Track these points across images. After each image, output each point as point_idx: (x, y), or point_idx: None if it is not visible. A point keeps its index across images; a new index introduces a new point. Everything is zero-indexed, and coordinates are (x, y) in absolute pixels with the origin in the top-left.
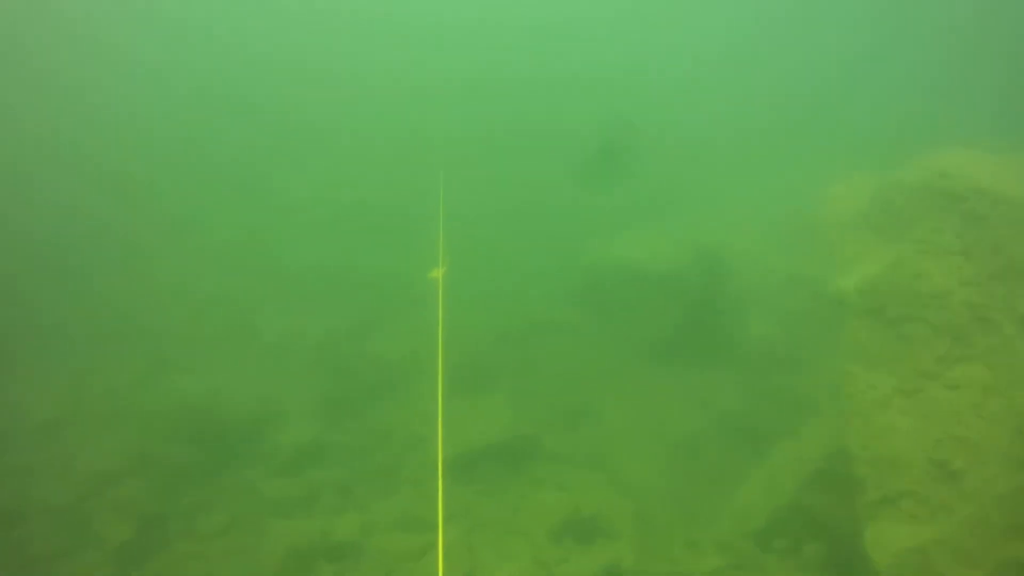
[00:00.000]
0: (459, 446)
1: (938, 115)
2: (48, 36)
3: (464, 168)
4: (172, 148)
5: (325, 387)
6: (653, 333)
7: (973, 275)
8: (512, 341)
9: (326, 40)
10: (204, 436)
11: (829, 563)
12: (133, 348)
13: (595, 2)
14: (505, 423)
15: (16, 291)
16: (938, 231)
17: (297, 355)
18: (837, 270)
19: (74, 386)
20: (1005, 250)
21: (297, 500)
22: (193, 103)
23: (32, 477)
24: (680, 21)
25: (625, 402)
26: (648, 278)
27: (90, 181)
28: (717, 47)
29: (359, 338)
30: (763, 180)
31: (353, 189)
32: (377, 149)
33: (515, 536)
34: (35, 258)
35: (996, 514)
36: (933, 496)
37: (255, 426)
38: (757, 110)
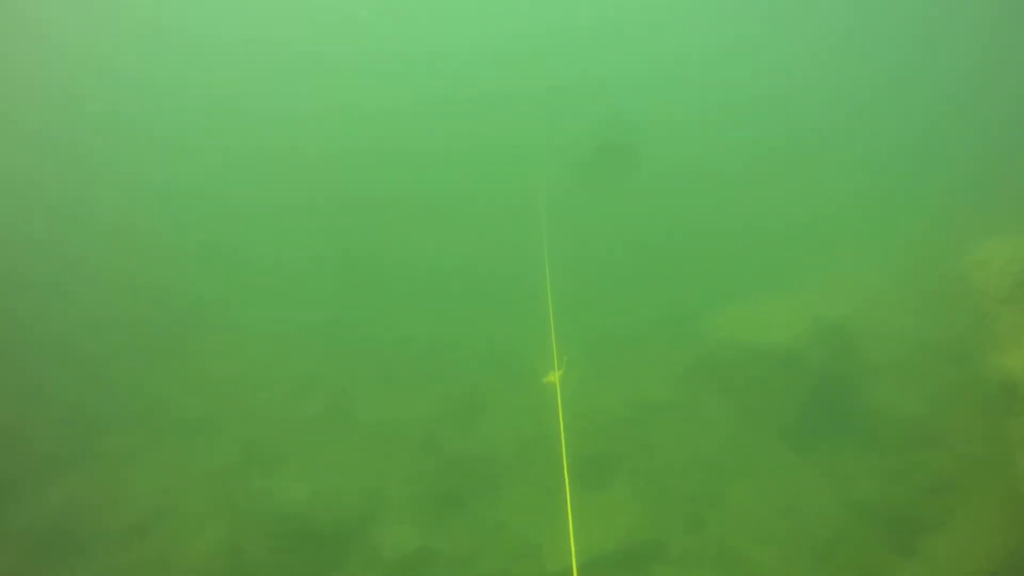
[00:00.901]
0: (578, 551)
1: None
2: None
3: (567, 231)
4: (258, 217)
5: (430, 482)
6: (780, 414)
7: None
8: (630, 426)
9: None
10: (300, 541)
11: None
12: (224, 439)
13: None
14: (625, 523)
15: (99, 374)
16: None
17: (397, 445)
18: (997, 347)
19: (162, 483)
20: None
21: None
22: (273, 175)
23: None
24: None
25: (754, 491)
26: (769, 354)
27: (177, 253)
28: (836, 85)
29: (463, 426)
30: (893, 243)
31: (449, 253)
32: (473, 209)
33: None
34: (116, 338)
35: None
36: None
37: (353, 529)
38: (882, 158)
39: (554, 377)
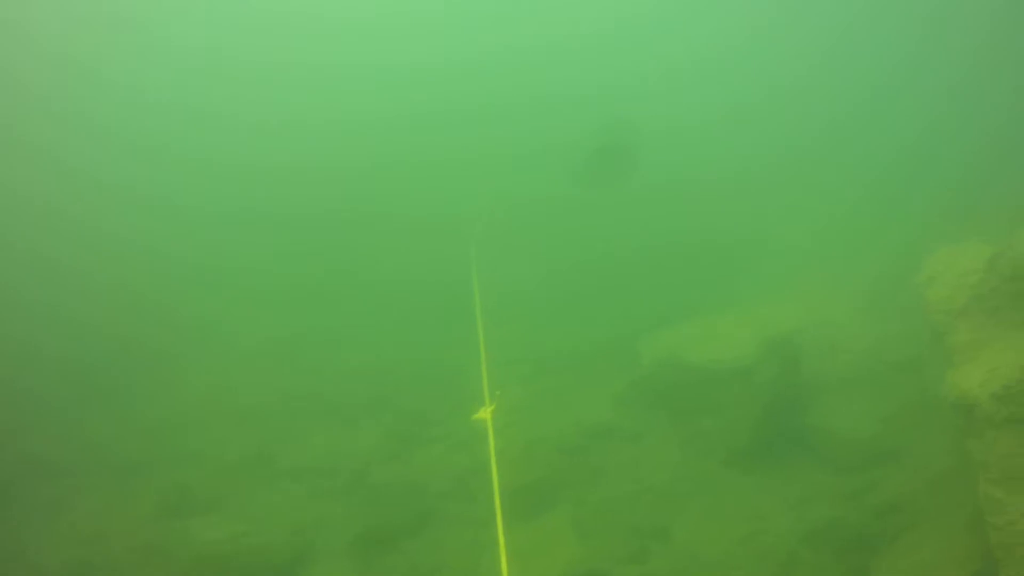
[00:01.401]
0: None
1: None
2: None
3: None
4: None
5: (361, 520)
6: (729, 436)
7: None
8: (570, 454)
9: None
10: None
11: None
12: (151, 481)
13: None
14: (565, 555)
15: (20, 420)
16: None
17: (330, 483)
18: (954, 366)
19: (88, 531)
20: None
21: None
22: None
23: None
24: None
25: (703, 518)
26: (716, 373)
27: (100, 292)
28: (776, 84)
29: (396, 461)
30: (843, 254)
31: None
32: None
33: None
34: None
35: None
36: None
37: (284, 572)
38: (833, 169)
39: (485, 413)
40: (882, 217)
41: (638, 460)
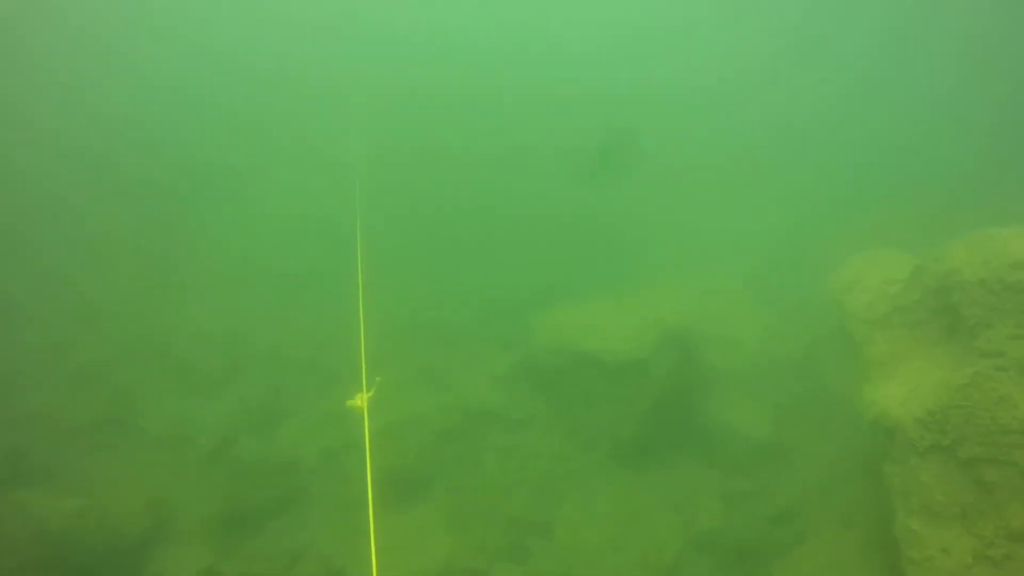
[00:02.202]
0: None
1: (994, 181)
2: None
3: (388, 215)
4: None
5: (221, 497)
6: (615, 428)
7: None
8: (448, 438)
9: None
10: (70, 565)
11: None
12: None
13: None
14: (441, 547)
15: None
16: (1020, 341)
17: (187, 455)
18: (871, 380)
19: None
20: None
21: None
22: None
23: None
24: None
25: (586, 515)
26: (606, 362)
27: None
28: (711, 80)
29: (261, 434)
30: (755, 248)
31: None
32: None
33: None
34: None
35: None
36: None
37: (133, 553)
38: (752, 157)
39: (361, 400)
40: (801, 215)
41: (519, 448)
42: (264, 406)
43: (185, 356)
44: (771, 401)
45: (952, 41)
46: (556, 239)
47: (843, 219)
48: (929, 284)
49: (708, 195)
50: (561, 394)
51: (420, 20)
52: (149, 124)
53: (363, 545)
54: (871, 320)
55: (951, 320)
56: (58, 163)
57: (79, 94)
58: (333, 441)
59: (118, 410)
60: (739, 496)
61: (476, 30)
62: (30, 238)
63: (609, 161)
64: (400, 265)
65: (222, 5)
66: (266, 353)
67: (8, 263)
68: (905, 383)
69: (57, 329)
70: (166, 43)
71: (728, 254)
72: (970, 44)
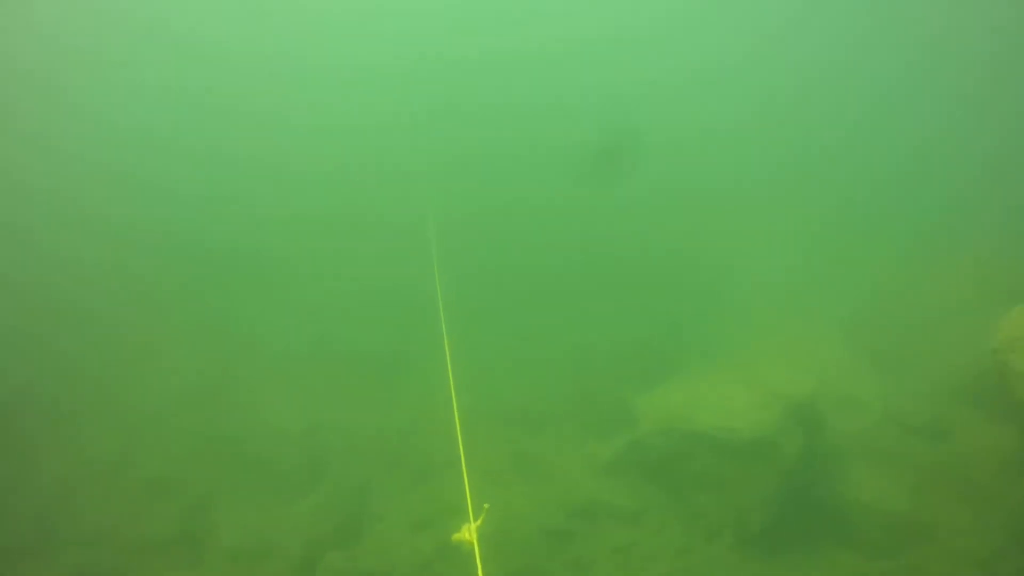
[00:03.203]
0: None
1: None
2: None
3: (467, 280)
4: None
5: None
6: (740, 514)
7: None
8: (556, 538)
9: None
10: None
11: None
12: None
13: None
14: None
15: None
16: None
17: (268, 572)
18: None
19: None
20: None
21: None
22: None
23: None
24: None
25: None
26: (726, 442)
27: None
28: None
29: (348, 543)
30: (848, 296)
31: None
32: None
33: None
34: None
35: None
36: None
37: None
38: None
39: (470, 533)
40: (891, 257)
41: (635, 546)
42: (350, 510)
43: (260, 456)
44: (907, 470)
45: None
46: (642, 298)
47: (939, 262)
48: None
49: (790, 238)
50: (675, 480)
51: (482, 80)
52: (203, 200)
53: None
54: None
55: None
56: (101, 255)
57: (129, 177)
58: (427, 547)
59: (191, 523)
60: None
61: (547, 93)
62: (75, 342)
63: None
64: (483, 336)
65: (281, 75)
66: (347, 446)
67: (54, 370)
68: None
69: (118, 438)
70: (215, 112)
71: (824, 303)
72: None
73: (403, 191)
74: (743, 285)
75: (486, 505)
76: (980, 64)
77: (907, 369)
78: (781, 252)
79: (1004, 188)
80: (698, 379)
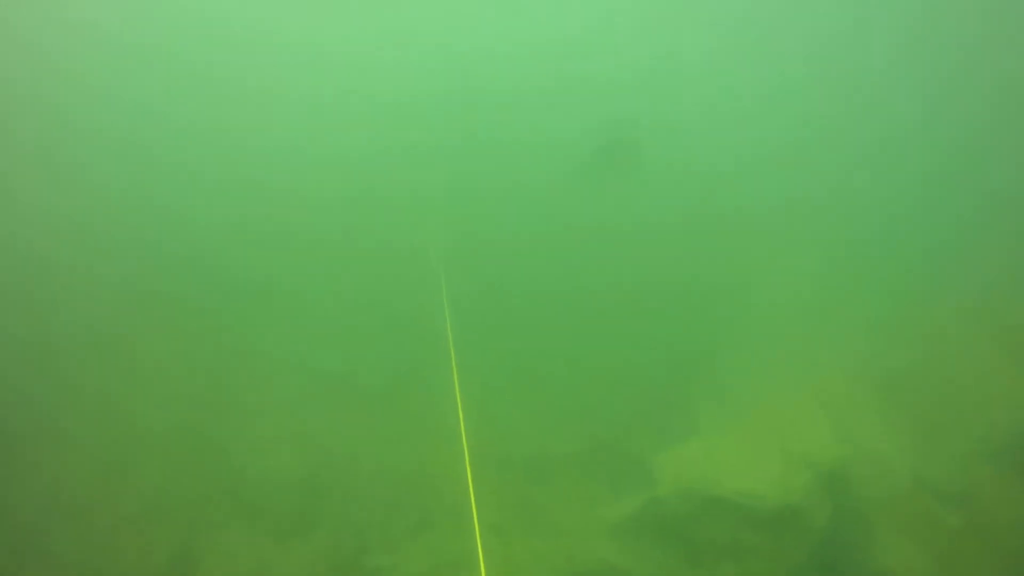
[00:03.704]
0: None
1: None
2: None
3: (475, 314)
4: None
5: None
6: None
7: None
8: None
9: None
10: None
11: None
12: None
13: None
14: None
15: None
16: None
17: None
18: None
19: None
20: None
21: None
22: None
23: None
24: None
25: None
26: (750, 509)
27: None
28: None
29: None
30: (872, 346)
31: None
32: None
33: None
34: None
35: None
36: None
37: None
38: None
39: None
40: (921, 308)
41: None
42: (347, 559)
43: (254, 494)
44: (934, 538)
45: None
46: (661, 342)
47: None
48: None
49: (822, 279)
50: (694, 547)
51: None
52: (201, 226)
53: None
54: None
55: None
56: (92, 274)
57: (131, 201)
58: None
59: (178, 565)
60: None
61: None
62: (69, 356)
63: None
64: (490, 384)
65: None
66: (346, 489)
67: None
68: None
69: (105, 464)
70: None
71: (857, 355)
72: None
73: (412, 216)
74: (771, 332)
75: None
76: None
77: (942, 430)
78: (807, 294)
79: None
80: (720, 436)
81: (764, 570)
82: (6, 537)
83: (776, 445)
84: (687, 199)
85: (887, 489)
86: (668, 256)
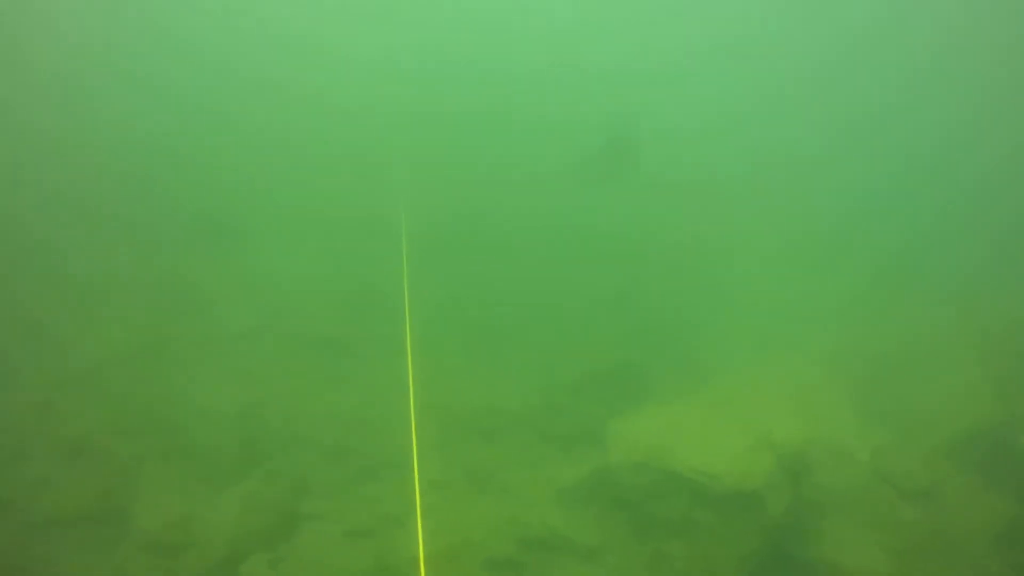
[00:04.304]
0: None
1: None
2: None
3: (435, 278)
4: None
5: None
6: (712, 567)
7: None
8: (502, 570)
9: None
10: None
11: None
12: None
13: None
14: None
15: None
16: None
17: (184, 569)
18: None
19: None
20: None
21: None
22: None
23: None
24: None
25: None
26: (707, 488)
27: None
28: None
29: (277, 546)
30: (837, 331)
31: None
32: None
33: None
34: None
35: None
36: None
37: None
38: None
39: None
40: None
41: None
42: (282, 506)
43: (191, 433)
44: (890, 533)
45: None
46: (624, 310)
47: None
48: None
49: (794, 258)
50: (644, 520)
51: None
52: (162, 163)
53: None
54: None
55: None
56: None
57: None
58: (364, 563)
59: (107, 501)
60: None
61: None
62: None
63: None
64: (444, 334)
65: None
66: (286, 433)
67: None
68: None
69: (38, 395)
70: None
71: (826, 336)
72: None
73: (380, 182)
74: (744, 306)
75: None
76: None
77: (908, 424)
78: (784, 276)
79: None
80: (679, 409)
81: (714, 552)
82: None
83: (738, 423)
84: (669, 165)
85: (848, 480)
86: (646, 214)
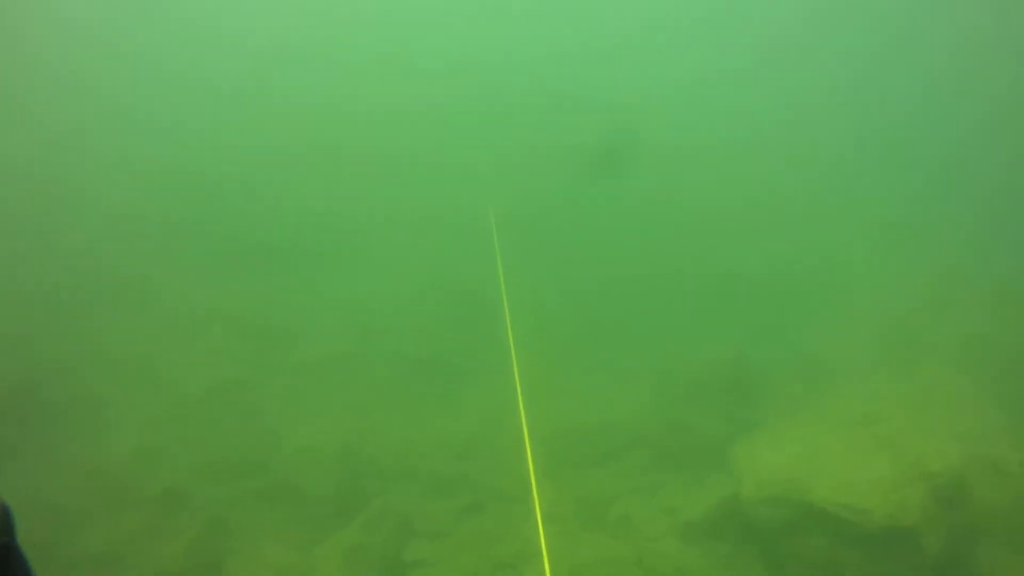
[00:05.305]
0: None
1: None
2: None
3: (535, 284)
4: None
5: None
6: None
7: None
8: None
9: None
10: None
11: None
12: None
13: None
14: None
15: None
16: None
17: None
18: None
19: None
20: None
21: None
22: None
23: None
24: None
25: None
26: (852, 524)
27: None
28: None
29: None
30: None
31: None
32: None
33: None
34: None
35: None
36: None
37: None
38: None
39: None
40: None
41: None
42: (389, 549)
43: (288, 471)
44: None
45: None
46: (731, 298)
47: None
48: None
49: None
50: (782, 559)
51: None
52: (234, 192)
53: None
54: None
55: None
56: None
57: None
58: None
59: (203, 552)
60: None
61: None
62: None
63: None
64: (552, 346)
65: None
66: (391, 466)
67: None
68: None
69: (126, 443)
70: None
71: (959, 342)
72: None
73: (462, 185)
74: (853, 293)
75: None
76: None
77: None
78: (920, 276)
79: None
80: (812, 434)
81: None
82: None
83: (885, 448)
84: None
85: (1007, 499)
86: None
